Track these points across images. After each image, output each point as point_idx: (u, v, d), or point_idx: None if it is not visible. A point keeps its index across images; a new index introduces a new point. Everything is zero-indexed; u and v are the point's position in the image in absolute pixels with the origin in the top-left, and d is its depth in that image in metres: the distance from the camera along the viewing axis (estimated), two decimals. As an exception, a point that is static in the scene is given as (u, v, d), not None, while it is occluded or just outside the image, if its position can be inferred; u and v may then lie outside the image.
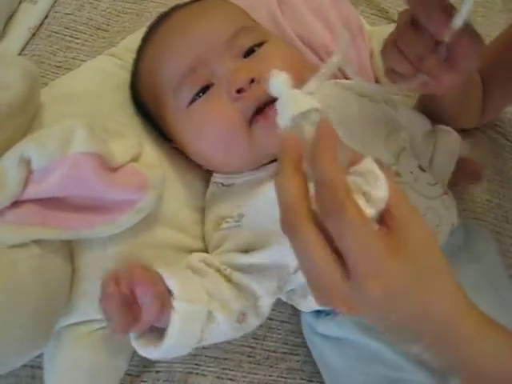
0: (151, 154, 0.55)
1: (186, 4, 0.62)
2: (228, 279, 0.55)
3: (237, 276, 0.55)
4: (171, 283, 0.50)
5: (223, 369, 0.63)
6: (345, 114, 0.61)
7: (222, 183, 0.61)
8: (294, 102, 0.38)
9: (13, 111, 0.50)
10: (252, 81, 0.52)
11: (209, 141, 0.56)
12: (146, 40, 0.62)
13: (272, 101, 0.50)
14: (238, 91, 0.52)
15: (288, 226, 0.36)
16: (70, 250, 0.55)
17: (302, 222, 0.35)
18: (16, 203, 0.49)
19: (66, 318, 0.56)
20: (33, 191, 0.49)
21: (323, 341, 0.60)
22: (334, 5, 0.75)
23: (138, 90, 0.63)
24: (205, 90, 0.55)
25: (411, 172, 0.59)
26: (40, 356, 0.58)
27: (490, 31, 0.82)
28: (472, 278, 0.56)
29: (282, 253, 0.54)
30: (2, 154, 0.49)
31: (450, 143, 0.68)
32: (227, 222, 0.57)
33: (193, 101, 0.55)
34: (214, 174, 0.63)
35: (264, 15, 0.70)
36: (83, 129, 0.49)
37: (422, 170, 0.60)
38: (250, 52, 0.56)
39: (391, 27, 0.73)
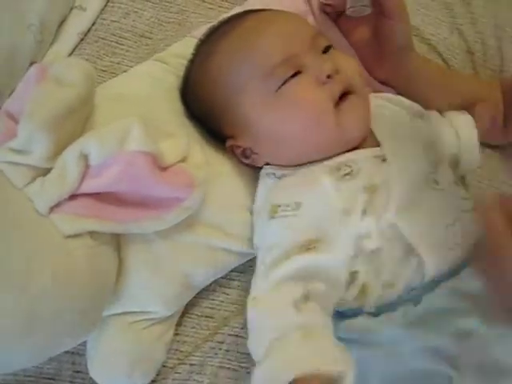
0: (198, 154, 0.58)
1: (256, 10, 0.66)
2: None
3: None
4: None
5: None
6: (387, 121, 0.66)
7: (274, 174, 0.64)
8: None
9: (76, 107, 0.53)
10: (336, 71, 0.60)
11: (298, 118, 0.60)
12: (213, 40, 0.65)
13: (352, 90, 0.60)
14: (327, 77, 0.59)
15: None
16: (117, 242, 0.58)
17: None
18: (73, 196, 0.52)
19: (111, 308, 0.59)
20: (89, 185, 0.52)
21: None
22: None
23: (198, 90, 0.66)
24: (293, 76, 0.60)
25: (448, 183, 0.62)
26: (81, 344, 0.60)
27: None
28: None
29: (341, 241, 0.57)
30: (64, 147, 0.52)
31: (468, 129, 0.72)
32: (284, 210, 0.59)
33: (282, 85, 0.60)
34: (265, 167, 0.66)
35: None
36: (140, 128, 0.52)
37: (457, 184, 0.64)
38: (325, 51, 0.63)
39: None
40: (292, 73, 0.60)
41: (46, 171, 0.53)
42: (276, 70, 0.60)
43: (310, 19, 0.79)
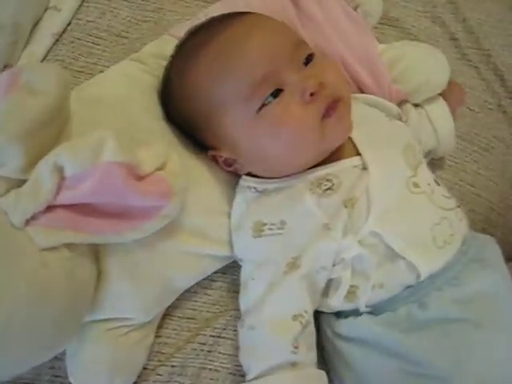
0: (176, 162, 0.57)
1: (235, 15, 0.64)
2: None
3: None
4: None
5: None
6: (364, 125, 0.66)
7: (255, 187, 0.64)
8: None
9: (49, 118, 0.53)
10: (320, 86, 0.58)
11: (283, 139, 0.59)
12: (193, 47, 0.63)
13: (338, 100, 0.59)
14: (311, 94, 0.58)
15: None
16: (95, 252, 0.58)
17: None
18: (49, 208, 0.52)
19: (90, 315, 0.59)
20: (65, 197, 0.52)
21: (343, 341, 0.62)
22: (352, 27, 0.77)
23: (178, 97, 0.64)
24: (275, 95, 0.59)
25: (428, 184, 0.63)
26: (59, 348, 0.61)
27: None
28: (488, 283, 0.60)
29: (320, 254, 0.60)
30: (39, 157, 0.51)
31: (442, 113, 0.76)
32: (270, 229, 0.61)
33: (263, 105, 0.59)
34: (246, 178, 0.65)
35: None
36: (114, 139, 0.52)
37: (437, 183, 0.65)
38: (307, 60, 0.61)
39: (404, 44, 0.77)
40: (272, 90, 0.58)
41: (21, 183, 0.52)
42: (256, 90, 0.58)
43: (296, 21, 0.76)
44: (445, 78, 0.76)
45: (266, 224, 0.62)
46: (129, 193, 0.54)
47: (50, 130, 0.55)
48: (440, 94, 0.78)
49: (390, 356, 0.59)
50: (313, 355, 0.61)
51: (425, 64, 0.75)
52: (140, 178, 0.55)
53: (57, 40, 0.76)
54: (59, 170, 0.52)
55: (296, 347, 0.58)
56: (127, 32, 0.79)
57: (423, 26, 0.92)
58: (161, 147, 0.58)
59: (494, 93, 0.91)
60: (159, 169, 0.56)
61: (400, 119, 0.71)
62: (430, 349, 0.58)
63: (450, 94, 0.79)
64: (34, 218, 0.51)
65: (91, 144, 0.52)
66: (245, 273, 0.64)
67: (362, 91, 0.75)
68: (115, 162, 0.52)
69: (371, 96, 0.72)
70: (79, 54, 0.76)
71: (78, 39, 0.77)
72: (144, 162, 0.55)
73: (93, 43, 0.77)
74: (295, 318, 0.59)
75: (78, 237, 0.53)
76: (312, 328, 0.62)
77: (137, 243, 0.58)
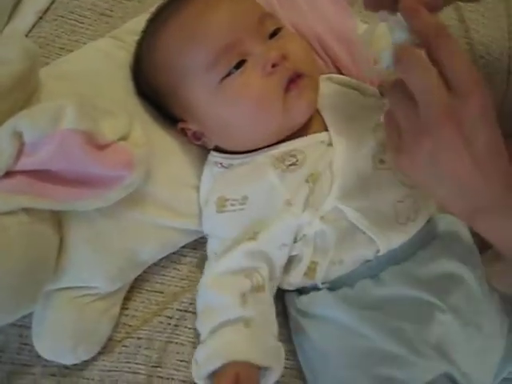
0: (140, 133, 0.58)
1: None
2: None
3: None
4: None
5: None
6: (336, 103, 0.66)
7: (221, 163, 0.65)
8: None
9: (12, 86, 0.54)
10: (283, 57, 0.59)
11: (244, 110, 0.60)
12: (162, 20, 0.64)
13: (300, 74, 0.60)
14: (273, 66, 0.58)
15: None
16: (58, 220, 0.59)
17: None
18: (9, 174, 0.53)
19: (54, 283, 0.60)
20: (24, 163, 0.53)
21: (304, 318, 0.63)
22: (332, 6, 0.77)
23: (147, 70, 0.65)
24: (238, 66, 0.59)
25: None
26: (28, 316, 0.62)
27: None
28: (452, 266, 0.60)
29: (280, 230, 0.60)
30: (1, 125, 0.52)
31: None
32: (232, 204, 0.62)
33: (227, 76, 0.59)
34: (213, 153, 0.66)
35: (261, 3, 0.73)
36: (74, 107, 0.53)
37: None
38: (272, 34, 0.62)
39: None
40: (236, 62, 0.59)
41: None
42: (219, 60, 0.59)
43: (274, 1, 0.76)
44: None
45: (228, 200, 0.62)
46: (88, 161, 0.55)
47: (15, 98, 0.56)
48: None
49: (348, 332, 0.59)
50: (272, 329, 0.61)
51: None
52: (102, 147, 0.56)
53: (40, 18, 0.77)
54: (19, 136, 0.53)
55: (244, 301, 0.58)
56: (111, 11, 0.80)
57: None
58: (124, 118, 0.58)
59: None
60: (122, 139, 0.57)
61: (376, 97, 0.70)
62: (385, 327, 0.58)
63: None
64: (-6, 183, 0.53)
65: (50, 111, 0.53)
66: (210, 247, 0.65)
67: (340, 71, 0.75)
68: (74, 130, 0.53)
69: (346, 77, 0.71)
70: (62, 32, 0.77)
71: (62, 17, 0.78)
72: (106, 131, 0.56)
73: (76, 21, 0.78)
74: (246, 276, 0.59)
75: (37, 202, 0.54)
76: (267, 297, 0.61)
77: (100, 212, 0.59)
